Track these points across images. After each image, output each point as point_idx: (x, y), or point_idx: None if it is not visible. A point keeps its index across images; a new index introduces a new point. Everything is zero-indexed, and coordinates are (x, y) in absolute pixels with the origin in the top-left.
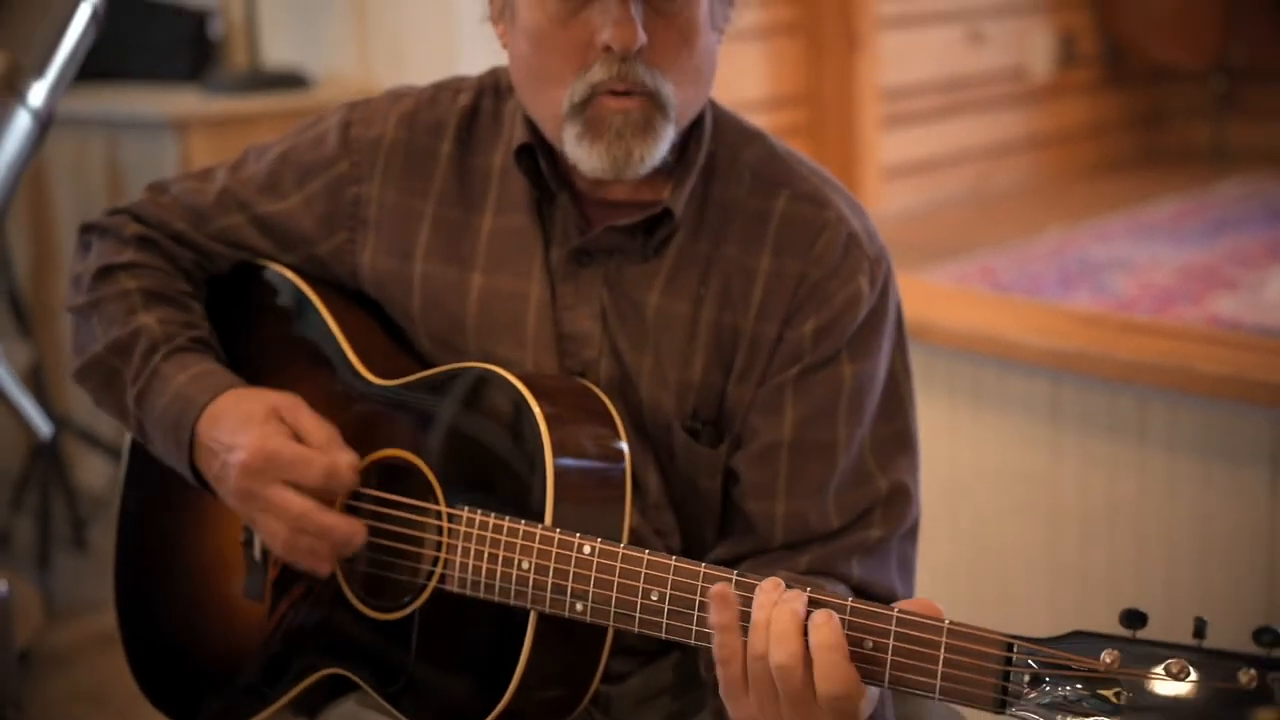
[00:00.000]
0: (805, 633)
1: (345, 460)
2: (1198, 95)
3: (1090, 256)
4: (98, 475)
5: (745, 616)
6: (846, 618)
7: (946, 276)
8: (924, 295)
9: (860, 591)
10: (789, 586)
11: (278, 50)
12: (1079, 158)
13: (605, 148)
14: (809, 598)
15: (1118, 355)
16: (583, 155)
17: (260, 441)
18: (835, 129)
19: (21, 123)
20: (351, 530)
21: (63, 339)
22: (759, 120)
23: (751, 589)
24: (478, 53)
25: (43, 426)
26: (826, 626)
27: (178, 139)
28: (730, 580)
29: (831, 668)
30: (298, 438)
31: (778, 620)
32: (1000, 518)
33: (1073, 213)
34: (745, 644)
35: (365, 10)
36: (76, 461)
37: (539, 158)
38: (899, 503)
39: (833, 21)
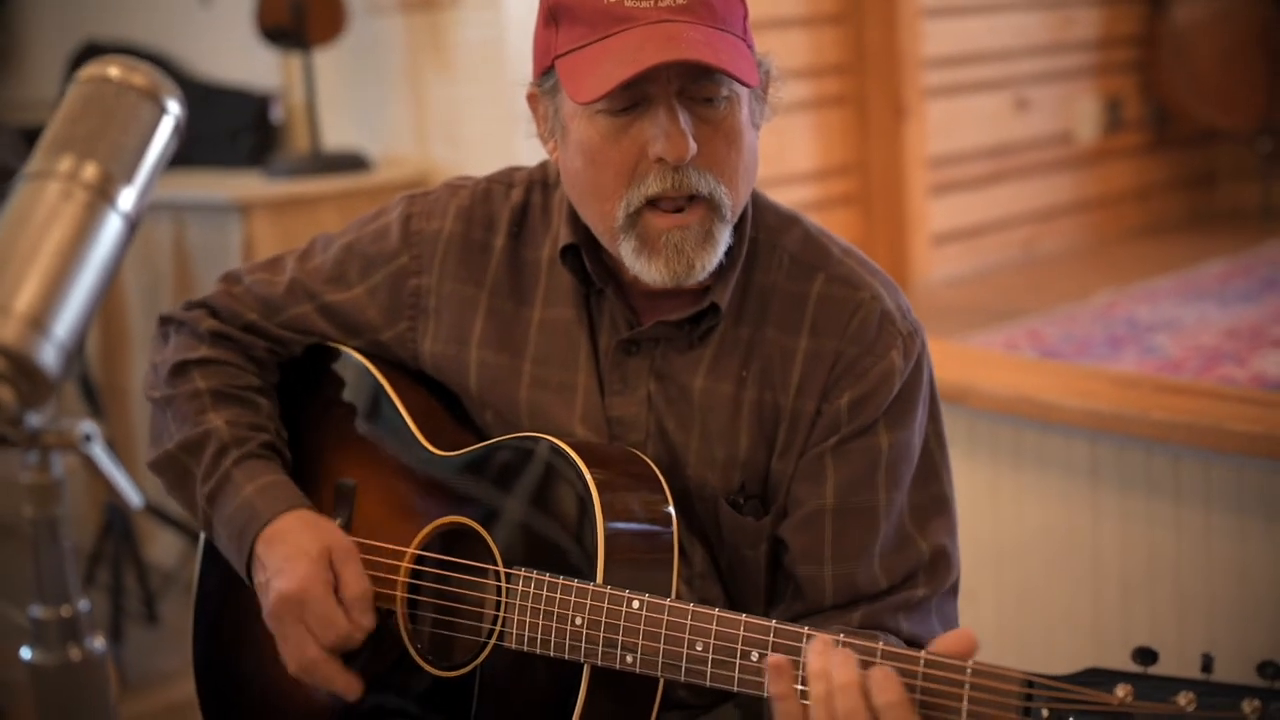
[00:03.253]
0: (866, 694)
1: (364, 627)
2: (1244, 157)
3: (1138, 319)
4: (167, 551)
5: (799, 678)
6: (877, 661)
7: (995, 341)
8: (968, 360)
9: (909, 644)
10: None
11: (337, 133)
12: (1126, 221)
13: (664, 262)
14: (859, 658)
15: (1152, 416)
16: (642, 268)
17: (302, 582)
18: (884, 197)
19: (113, 226)
20: (349, 685)
21: (132, 419)
22: (810, 190)
23: (798, 648)
24: (531, 135)
25: (134, 498)
26: (889, 685)
27: (242, 221)
28: (769, 629)
29: None
30: (338, 585)
31: (842, 695)
32: (1043, 574)
33: (1121, 276)
34: (805, 707)
35: (422, 93)
36: (147, 538)
37: (583, 256)
38: (941, 564)
39: (880, 92)
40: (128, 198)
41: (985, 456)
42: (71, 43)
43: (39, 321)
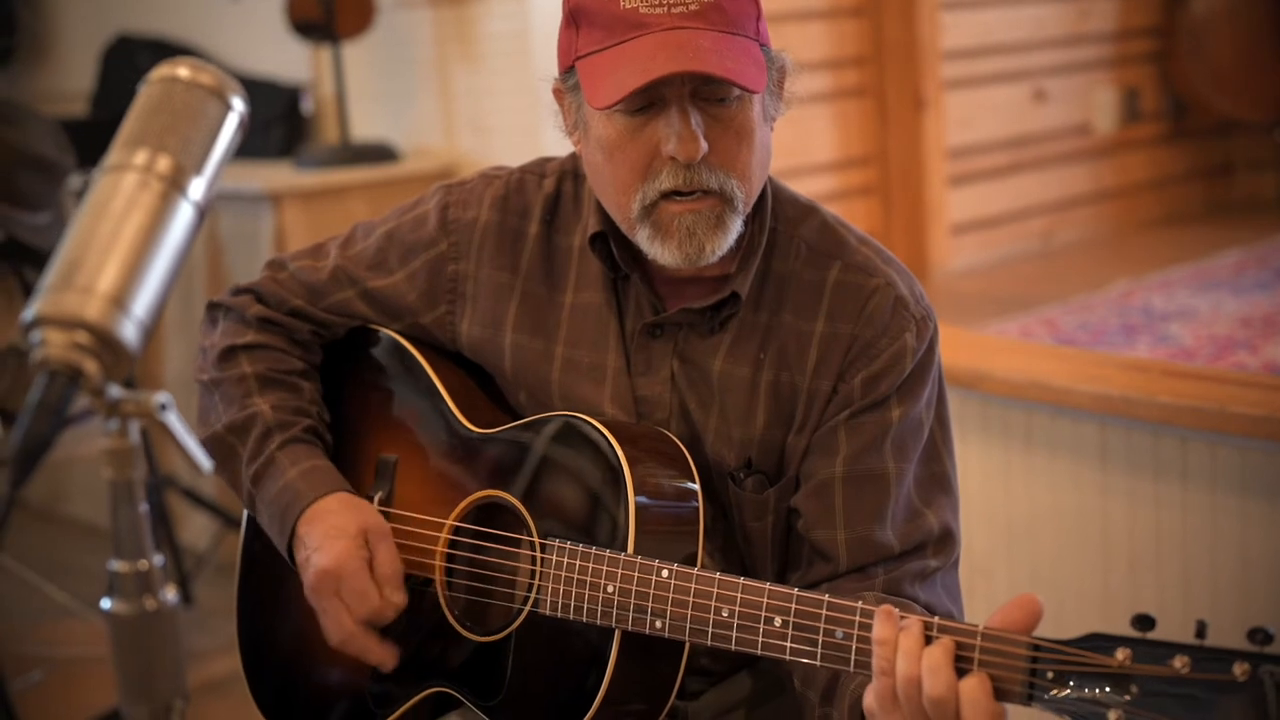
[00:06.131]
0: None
1: (395, 603)
2: (1262, 147)
3: (1153, 308)
4: (201, 533)
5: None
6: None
7: (1012, 330)
8: (982, 347)
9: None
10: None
11: (367, 125)
12: (1143, 211)
13: (677, 245)
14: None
15: (1160, 400)
16: (657, 251)
17: (339, 558)
18: (903, 188)
19: (185, 214)
20: (384, 657)
21: None
22: (830, 181)
23: (818, 614)
24: (559, 127)
25: (205, 462)
26: (976, 681)
27: (273, 211)
28: (792, 596)
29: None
30: (372, 563)
31: (930, 655)
32: (1054, 553)
33: (1137, 266)
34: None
35: (449, 85)
36: (181, 520)
37: (611, 243)
38: (947, 540)
39: (899, 84)
40: (198, 187)
41: (998, 440)
42: (104, 35)
43: (120, 300)
